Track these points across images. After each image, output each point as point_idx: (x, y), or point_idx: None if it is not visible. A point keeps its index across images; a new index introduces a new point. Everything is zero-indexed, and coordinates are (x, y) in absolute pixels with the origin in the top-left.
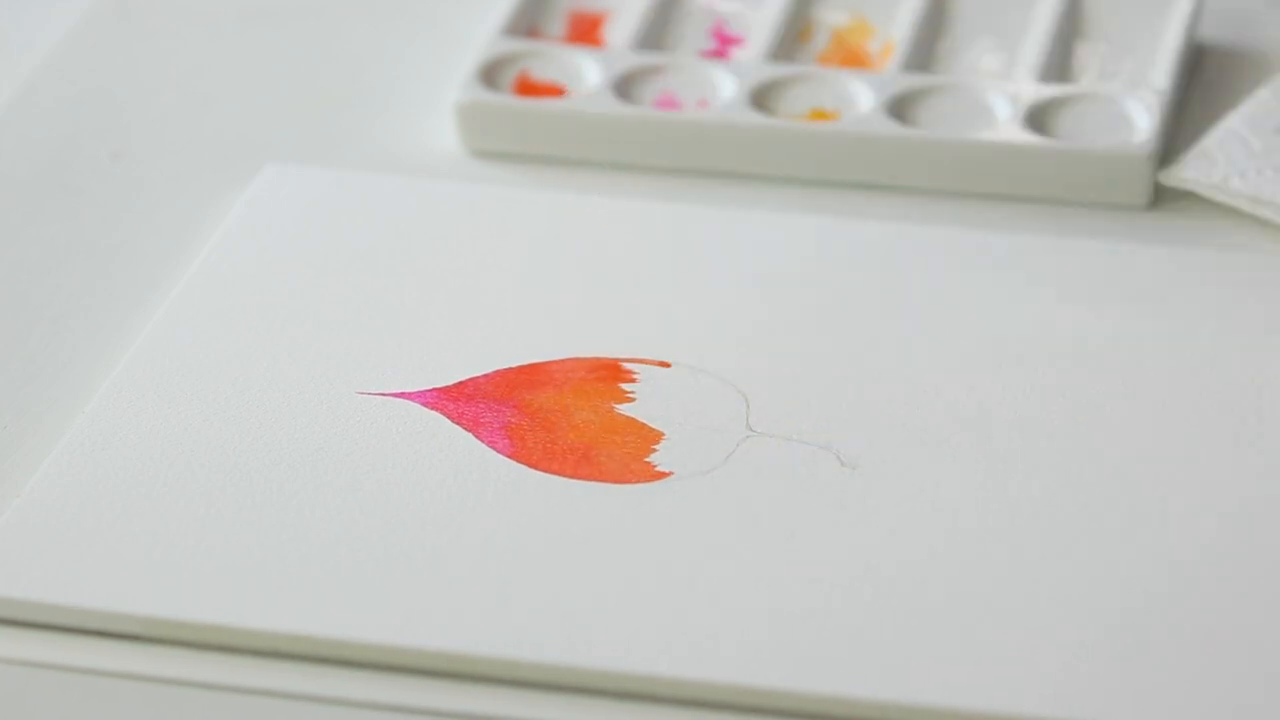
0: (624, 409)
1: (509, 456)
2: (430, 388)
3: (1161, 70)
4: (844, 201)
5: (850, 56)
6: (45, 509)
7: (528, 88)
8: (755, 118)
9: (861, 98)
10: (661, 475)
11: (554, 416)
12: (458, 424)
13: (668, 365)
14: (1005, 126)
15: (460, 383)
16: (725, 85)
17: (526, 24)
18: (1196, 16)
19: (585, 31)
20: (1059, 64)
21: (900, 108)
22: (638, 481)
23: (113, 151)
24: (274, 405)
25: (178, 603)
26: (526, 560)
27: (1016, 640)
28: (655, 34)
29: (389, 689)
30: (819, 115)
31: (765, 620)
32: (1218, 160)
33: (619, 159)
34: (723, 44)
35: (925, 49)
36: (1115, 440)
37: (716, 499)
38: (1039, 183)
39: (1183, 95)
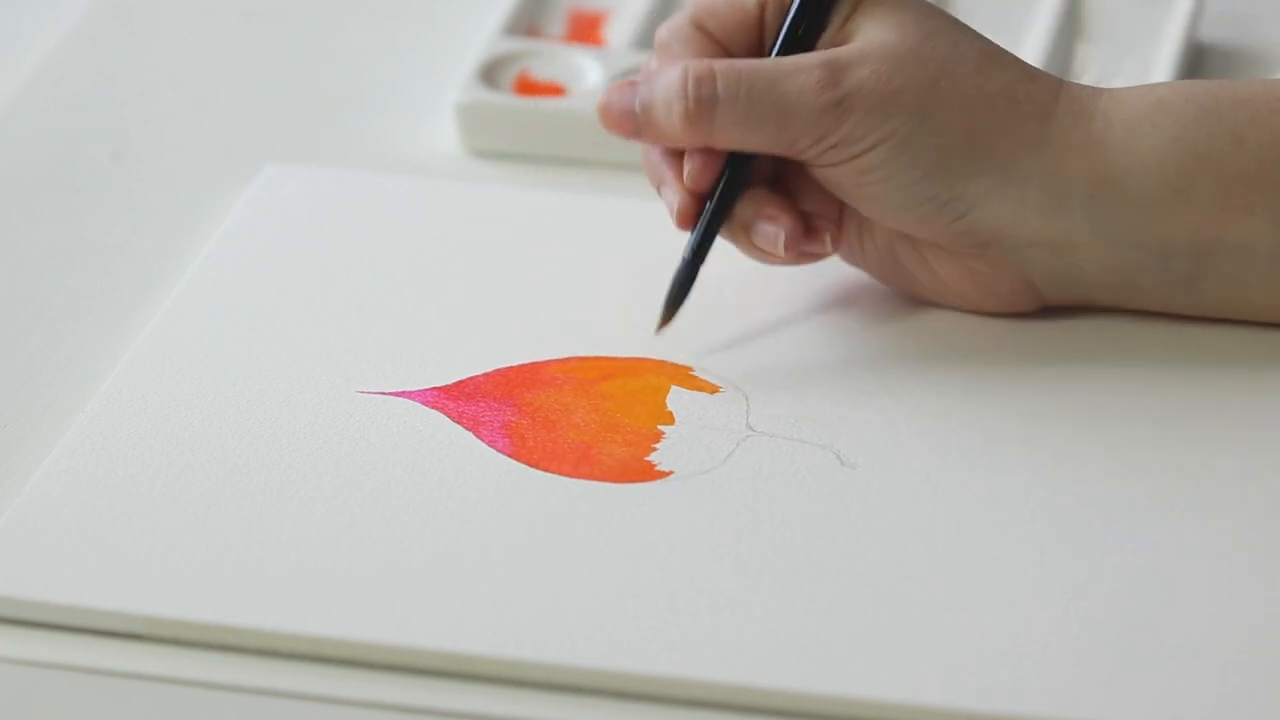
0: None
1: (509, 456)
2: (430, 386)
3: (1161, 70)
4: None
5: None
6: (45, 509)
7: (527, 87)
8: None
9: None
10: (661, 475)
11: (554, 415)
12: (458, 423)
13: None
14: None
15: (460, 382)
16: None
17: (526, 23)
18: (1196, 16)
19: (585, 31)
20: (1059, 64)
21: None
22: (638, 481)
23: (113, 151)
24: (274, 405)
25: (178, 602)
26: (526, 560)
27: (1016, 640)
28: (655, 33)
29: (389, 689)
30: None
31: (765, 620)
32: None
33: (619, 159)
34: None
35: None
36: (1115, 439)
37: (716, 499)
38: None
39: None
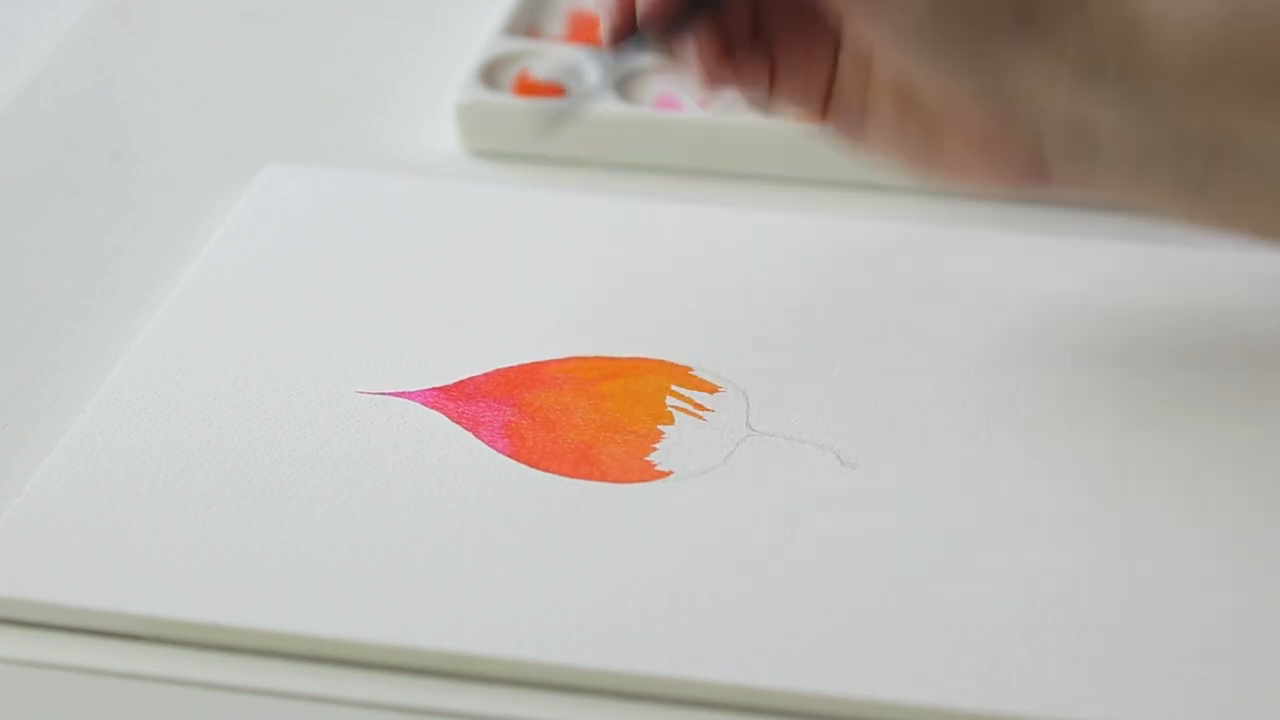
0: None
1: (509, 456)
2: (430, 386)
3: None
4: (844, 201)
5: None
6: (45, 509)
7: (528, 87)
8: (756, 118)
9: None
10: (661, 475)
11: (554, 415)
12: (458, 423)
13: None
14: None
15: (460, 382)
16: None
17: (526, 23)
18: None
19: (585, 31)
20: None
21: None
22: (638, 481)
23: (113, 151)
24: (274, 405)
25: (178, 602)
26: (526, 560)
27: (1015, 640)
28: None
29: (389, 689)
30: None
31: (765, 620)
32: None
33: (619, 159)
34: None
35: None
36: (1115, 440)
37: (716, 499)
38: None
39: None
